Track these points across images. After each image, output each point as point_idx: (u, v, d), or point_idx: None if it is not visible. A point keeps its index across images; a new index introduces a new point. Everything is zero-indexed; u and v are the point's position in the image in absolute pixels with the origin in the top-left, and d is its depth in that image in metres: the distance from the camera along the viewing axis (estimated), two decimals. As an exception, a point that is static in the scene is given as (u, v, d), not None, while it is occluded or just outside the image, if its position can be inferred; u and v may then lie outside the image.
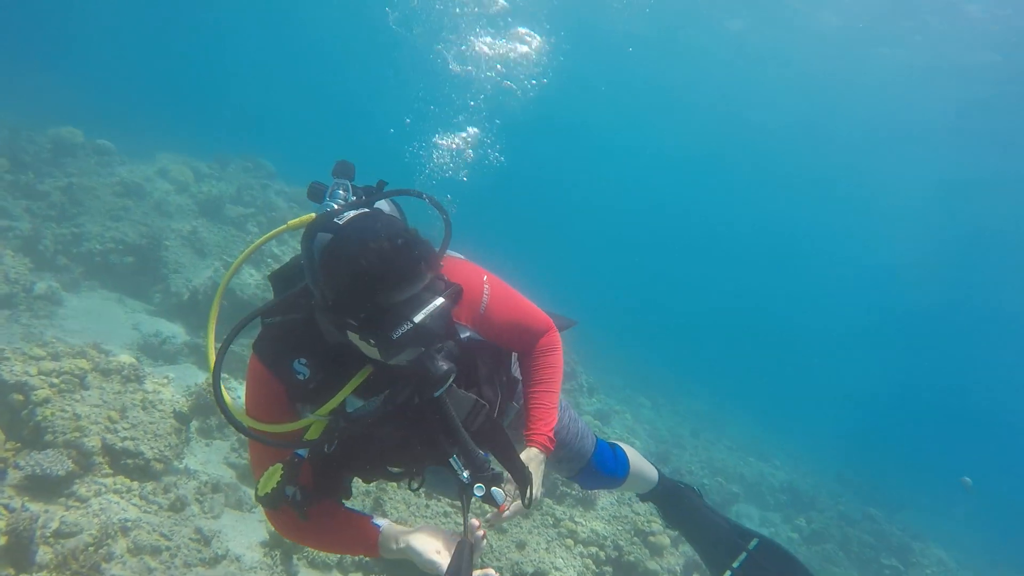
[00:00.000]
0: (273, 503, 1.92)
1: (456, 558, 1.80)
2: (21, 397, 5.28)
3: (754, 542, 3.22)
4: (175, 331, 9.02)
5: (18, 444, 4.88)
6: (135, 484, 5.15)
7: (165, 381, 6.62)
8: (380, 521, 2.08)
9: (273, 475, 1.92)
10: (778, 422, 25.06)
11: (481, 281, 2.20)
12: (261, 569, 5.06)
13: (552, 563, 5.85)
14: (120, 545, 4.64)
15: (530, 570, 5.67)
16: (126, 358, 6.53)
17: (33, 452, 4.84)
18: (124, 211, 10.76)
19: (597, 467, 3.00)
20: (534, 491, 2.05)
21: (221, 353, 1.93)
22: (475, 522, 1.96)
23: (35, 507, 4.55)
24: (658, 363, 26.71)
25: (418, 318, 1.71)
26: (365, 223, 1.78)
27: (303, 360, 1.96)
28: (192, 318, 9.32)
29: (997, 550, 16.73)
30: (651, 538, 7.27)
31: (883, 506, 16.94)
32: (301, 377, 1.96)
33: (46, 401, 5.26)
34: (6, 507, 4.45)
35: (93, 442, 5.14)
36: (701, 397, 23.35)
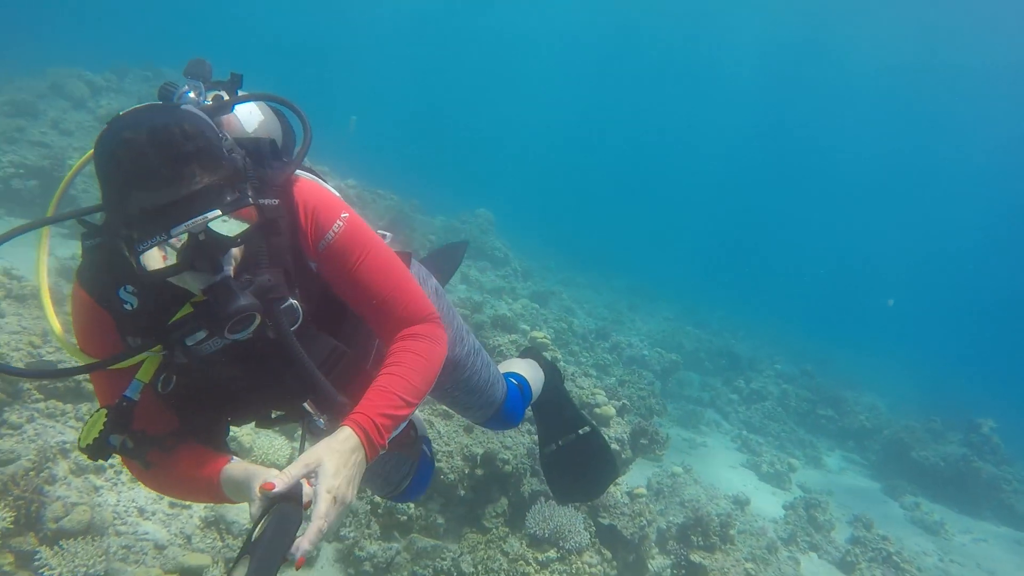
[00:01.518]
0: (96, 454, 1.64)
1: (273, 524, 1.33)
2: (-67, 331, 5.05)
3: (586, 429, 3.49)
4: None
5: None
6: (68, 406, 5.05)
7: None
8: (234, 461, 1.73)
9: (96, 422, 1.64)
10: (712, 292, 26.09)
11: (336, 215, 1.81)
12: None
13: (501, 443, 6.06)
14: (62, 467, 4.59)
15: (480, 451, 5.87)
16: (42, 283, 6.26)
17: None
18: (19, 132, 10.05)
19: (507, 415, 2.86)
20: (322, 504, 1.42)
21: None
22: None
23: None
24: (588, 243, 27.38)
25: (178, 230, 1.42)
26: (140, 113, 1.49)
27: (129, 287, 1.69)
28: (111, 239, 8.93)
29: (927, 395, 18.07)
30: (596, 410, 7.57)
31: (816, 361, 18.00)
32: (128, 307, 1.69)
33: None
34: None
35: (18, 369, 4.98)
36: (634, 273, 24.00)
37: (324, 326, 1.86)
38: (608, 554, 5.92)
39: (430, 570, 5.15)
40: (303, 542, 1.34)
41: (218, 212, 1.45)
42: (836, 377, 17.13)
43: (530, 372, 3.28)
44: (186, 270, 1.51)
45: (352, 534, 5.19)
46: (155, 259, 1.49)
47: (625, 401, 8.28)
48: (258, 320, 1.59)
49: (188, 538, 4.61)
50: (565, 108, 60.47)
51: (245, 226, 1.56)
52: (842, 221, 51.70)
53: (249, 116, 2.00)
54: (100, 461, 1.68)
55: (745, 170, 56.51)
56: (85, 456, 1.66)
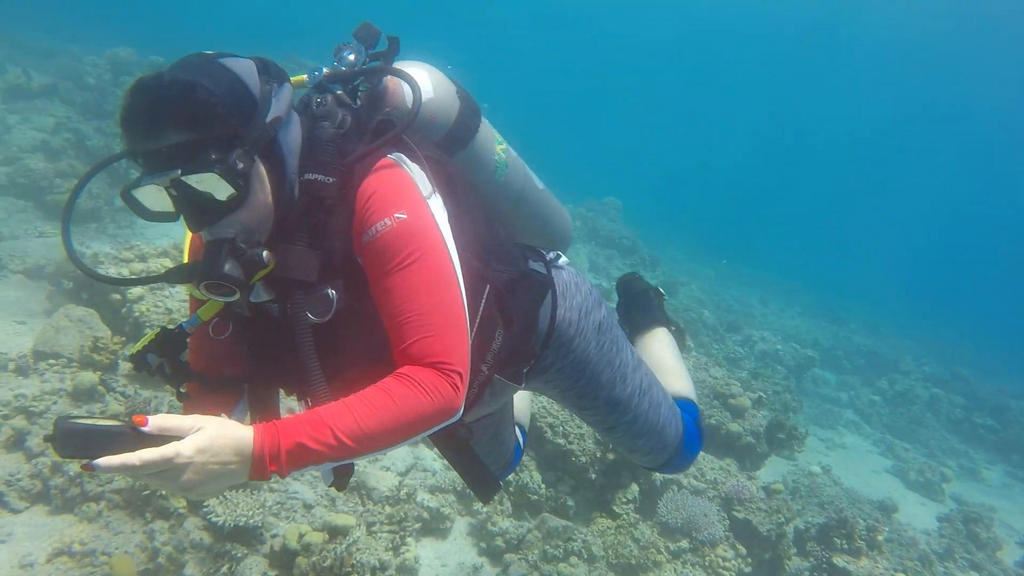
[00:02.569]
0: (136, 364, 1.67)
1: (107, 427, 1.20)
2: (119, 297, 5.59)
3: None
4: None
5: (123, 339, 5.20)
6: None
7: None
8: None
9: (147, 338, 1.68)
10: (849, 288, 24.58)
11: (389, 211, 1.54)
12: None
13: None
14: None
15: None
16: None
17: (131, 343, 5.15)
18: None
19: (681, 460, 2.52)
20: (154, 454, 1.20)
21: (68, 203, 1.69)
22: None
23: (146, 393, 4.88)
24: (720, 235, 26.54)
25: (146, 179, 1.41)
26: (179, 62, 1.48)
27: None
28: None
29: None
30: (731, 400, 7.32)
31: (972, 365, 16.57)
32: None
33: (140, 298, 5.54)
34: (123, 394, 4.82)
35: (188, 334, 5.44)
36: (766, 266, 23.03)
37: (361, 328, 1.61)
38: (743, 549, 5.73)
39: (561, 550, 5.17)
40: (105, 459, 1.15)
41: (178, 172, 1.38)
42: (998, 382, 15.69)
43: (685, 375, 2.82)
44: (166, 220, 1.52)
45: (485, 509, 5.29)
46: (153, 200, 1.49)
47: (761, 394, 7.96)
48: (237, 293, 1.48)
49: (333, 500, 4.86)
50: (689, 98, 59.60)
51: (230, 192, 1.44)
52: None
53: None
54: (144, 374, 1.70)
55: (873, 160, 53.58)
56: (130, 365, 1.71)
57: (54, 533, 3.97)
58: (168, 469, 1.20)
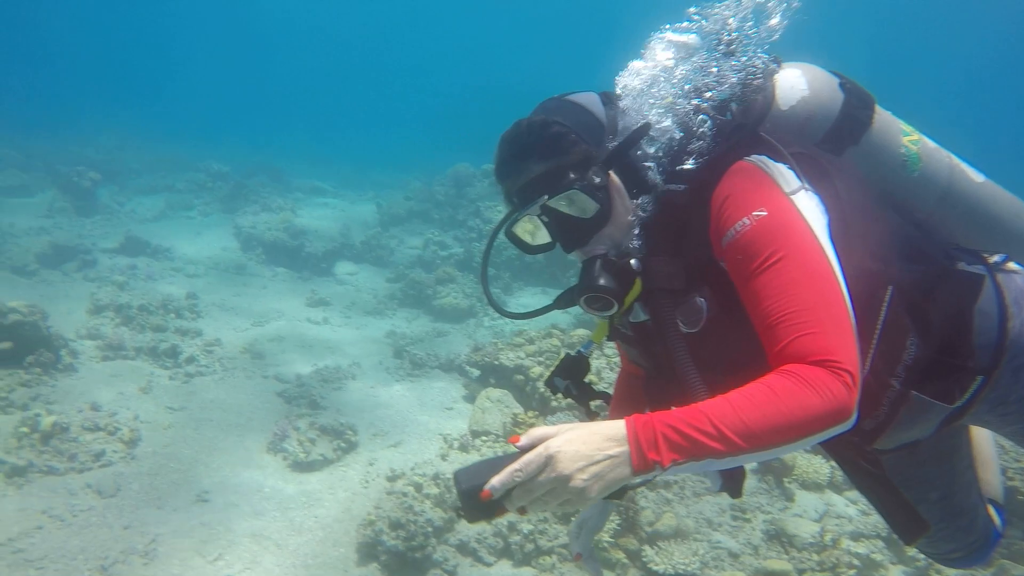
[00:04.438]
0: (549, 387, 1.91)
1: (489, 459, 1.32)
2: (521, 377, 6.42)
3: None
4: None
5: (535, 412, 5.94)
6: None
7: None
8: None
9: (555, 362, 1.96)
10: None
11: (748, 209, 1.48)
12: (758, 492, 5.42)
13: None
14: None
15: None
16: (582, 331, 7.48)
17: (548, 416, 5.84)
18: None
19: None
20: (529, 455, 1.24)
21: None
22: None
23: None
24: None
25: (519, 214, 1.65)
26: (538, 107, 1.74)
27: None
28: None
29: None
30: None
31: None
32: None
33: (540, 376, 6.30)
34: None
35: (585, 402, 6.03)
36: None
37: (734, 335, 1.54)
38: None
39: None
40: (494, 478, 1.23)
41: (545, 197, 1.59)
42: None
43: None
44: (545, 250, 1.74)
45: (923, 556, 4.93)
46: (531, 233, 1.73)
47: None
48: (616, 305, 1.60)
49: (756, 548, 4.93)
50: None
51: (593, 206, 1.61)
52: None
53: (790, 90, 1.73)
54: (558, 395, 1.89)
55: None
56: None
57: (522, 584, 4.61)
58: (548, 468, 1.20)
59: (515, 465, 1.22)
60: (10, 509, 4.70)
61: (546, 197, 1.60)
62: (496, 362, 6.70)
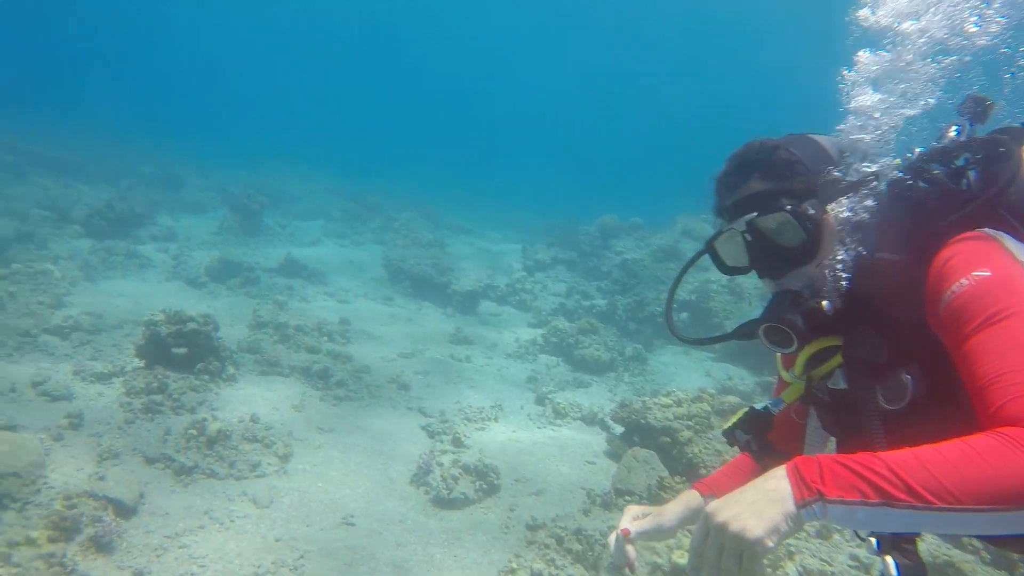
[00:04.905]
0: (726, 438, 1.85)
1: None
2: (668, 440, 6.14)
3: None
4: (741, 373, 9.59)
5: (682, 479, 5.64)
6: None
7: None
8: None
9: (738, 414, 1.83)
10: None
11: (966, 271, 1.36)
12: None
13: None
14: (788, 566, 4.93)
15: None
16: (731, 399, 7.12)
17: (687, 481, 5.52)
18: (669, 273, 12.02)
19: None
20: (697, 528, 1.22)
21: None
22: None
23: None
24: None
25: (726, 226, 1.60)
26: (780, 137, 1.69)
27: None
28: (751, 359, 9.77)
29: None
30: None
31: None
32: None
33: (690, 441, 6.00)
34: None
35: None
36: None
37: (940, 415, 1.42)
38: None
39: None
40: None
41: (754, 214, 1.54)
42: None
43: None
44: (740, 273, 1.67)
45: None
46: (730, 252, 1.68)
47: None
48: (796, 343, 1.53)
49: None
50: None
51: (800, 237, 1.53)
52: None
53: None
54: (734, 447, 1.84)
55: None
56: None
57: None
58: (707, 525, 1.18)
59: (694, 542, 1.20)
60: (179, 506, 4.95)
61: (755, 214, 1.56)
62: (643, 421, 6.48)
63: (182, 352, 7.08)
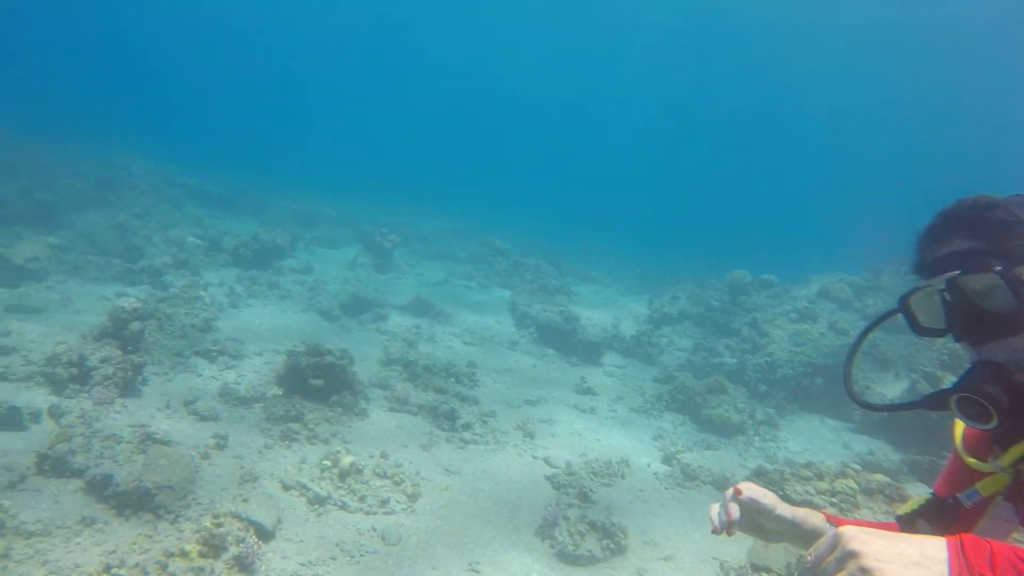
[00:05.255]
0: (900, 526, 1.65)
1: None
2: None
3: None
4: (884, 448, 8.89)
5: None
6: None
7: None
8: None
9: (918, 501, 1.66)
10: None
11: None
12: None
13: None
14: None
15: None
16: (880, 477, 6.59)
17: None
18: (804, 335, 11.43)
19: None
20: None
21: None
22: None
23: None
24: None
25: (923, 282, 1.48)
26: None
27: None
28: (895, 433, 9.06)
29: None
30: None
31: None
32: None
33: (835, 519, 5.58)
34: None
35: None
36: None
37: None
38: None
39: None
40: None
41: (957, 272, 1.41)
42: None
43: None
44: (934, 335, 1.55)
45: None
46: (927, 312, 1.53)
47: None
48: (996, 420, 1.32)
49: None
50: None
51: (1008, 302, 1.37)
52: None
53: None
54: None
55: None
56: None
57: None
58: (843, 546, 1.07)
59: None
60: (311, 535, 5.08)
61: (958, 272, 1.43)
62: (780, 492, 6.09)
63: (319, 384, 7.36)
